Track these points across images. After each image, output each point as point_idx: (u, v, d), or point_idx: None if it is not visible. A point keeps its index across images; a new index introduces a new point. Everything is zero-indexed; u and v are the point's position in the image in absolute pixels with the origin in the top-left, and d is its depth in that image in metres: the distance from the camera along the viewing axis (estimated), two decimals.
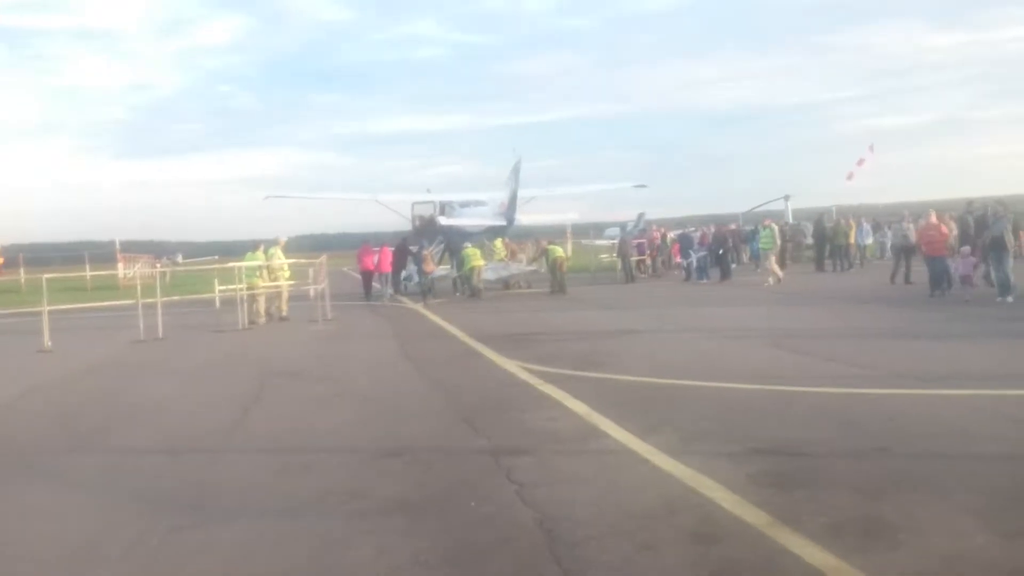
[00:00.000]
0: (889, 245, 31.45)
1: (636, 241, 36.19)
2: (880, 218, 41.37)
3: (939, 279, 19.81)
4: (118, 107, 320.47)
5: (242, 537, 5.70)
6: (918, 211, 27.06)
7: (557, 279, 28.35)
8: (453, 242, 31.64)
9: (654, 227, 42.98)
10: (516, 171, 31.38)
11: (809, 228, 38.33)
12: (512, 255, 32.49)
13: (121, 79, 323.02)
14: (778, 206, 50.09)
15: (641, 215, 56.00)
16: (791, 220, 44.81)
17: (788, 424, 8.14)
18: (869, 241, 36.80)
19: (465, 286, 28.33)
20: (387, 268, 28.97)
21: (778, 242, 28.64)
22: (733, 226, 41.18)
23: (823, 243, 33.33)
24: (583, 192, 45.79)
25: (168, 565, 5.24)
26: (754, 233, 39.51)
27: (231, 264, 23.91)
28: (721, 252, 30.84)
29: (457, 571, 4.96)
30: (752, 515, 5.56)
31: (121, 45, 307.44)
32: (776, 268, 27.64)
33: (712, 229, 33.97)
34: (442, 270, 30.99)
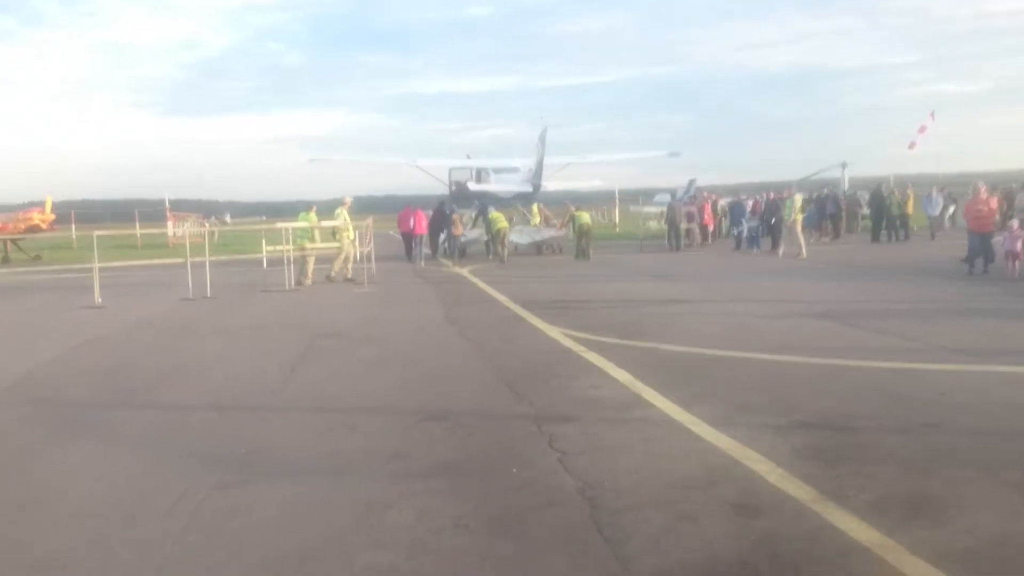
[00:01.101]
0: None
1: (686, 208, 35.77)
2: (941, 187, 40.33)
3: (982, 255, 19.07)
4: (168, 65, 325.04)
5: (286, 495, 5.78)
6: (993, 181, 26.29)
7: (582, 245, 28.91)
8: (485, 207, 32.43)
9: (705, 194, 42.47)
10: (543, 139, 32.42)
11: (865, 197, 37.62)
12: (546, 221, 32.97)
13: (171, 36, 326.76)
14: (834, 173, 49.29)
15: (692, 181, 55.45)
16: (847, 188, 44.03)
17: (835, 397, 8.01)
18: (946, 212, 35.71)
19: (495, 248, 29.13)
20: (421, 230, 29.68)
21: (797, 215, 27.92)
22: (786, 193, 40.53)
23: (880, 213, 32.64)
24: (617, 159, 46.23)
25: (213, 521, 5.33)
26: (808, 201, 38.88)
27: (280, 225, 24.06)
28: (773, 221, 30.21)
29: (498, 536, 4.97)
30: (796, 488, 5.50)
31: (171, 1, 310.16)
32: (800, 239, 27.16)
33: (770, 196, 33.20)
34: (474, 233, 32.04)
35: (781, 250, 26.70)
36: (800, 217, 28.02)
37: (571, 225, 30.34)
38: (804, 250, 26.40)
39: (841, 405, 7.69)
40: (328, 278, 21.90)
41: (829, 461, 6.08)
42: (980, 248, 19.12)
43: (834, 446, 6.46)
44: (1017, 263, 18.03)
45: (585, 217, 30.01)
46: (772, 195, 34.04)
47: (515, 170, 34.77)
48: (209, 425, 7.86)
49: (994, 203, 20.30)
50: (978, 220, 19.58)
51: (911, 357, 9.80)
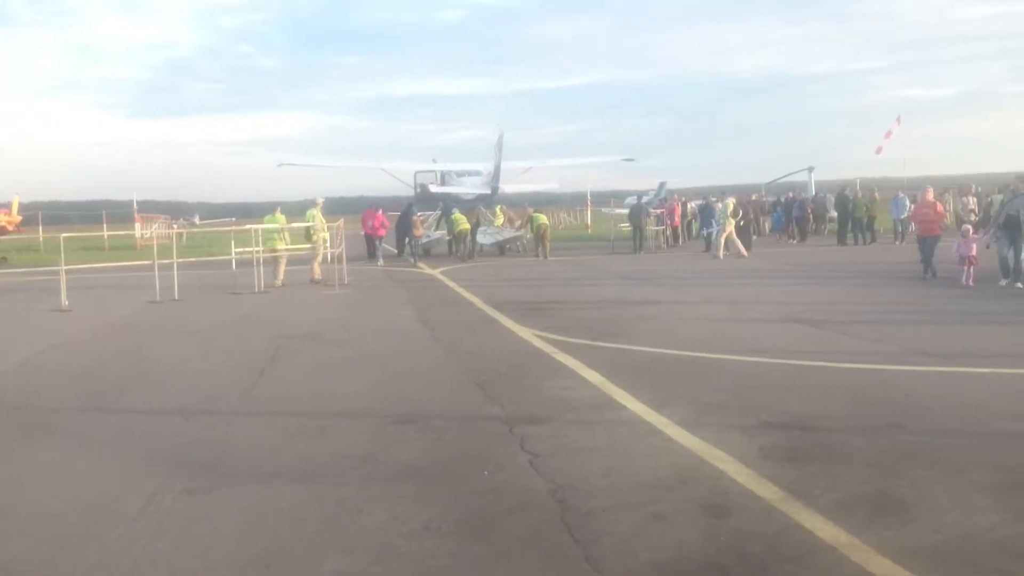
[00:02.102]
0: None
1: (657, 210, 36.02)
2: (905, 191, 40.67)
3: (932, 259, 19.02)
4: (137, 65, 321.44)
5: (255, 499, 5.73)
6: (958, 185, 26.56)
7: (541, 246, 30.22)
8: (448, 209, 33.36)
9: (675, 196, 42.82)
10: (499, 144, 33.42)
11: (831, 200, 38.03)
12: (510, 222, 34.48)
13: (140, 37, 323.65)
14: (802, 177, 49.76)
15: (662, 184, 55.80)
16: (814, 192, 44.51)
17: (802, 398, 8.09)
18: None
19: (458, 249, 30.20)
20: (381, 232, 30.53)
21: (731, 218, 28.12)
22: (754, 197, 40.97)
23: (845, 216, 33.01)
24: (573, 164, 47.85)
25: (181, 525, 5.29)
26: (775, 205, 39.33)
27: (248, 226, 23.88)
28: (742, 224, 30.40)
29: (469, 538, 4.97)
30: (764, 488, 5.55)
31: (140, 1, 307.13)
32: (737, 243, 27.71)
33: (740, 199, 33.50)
34: (437, 234, 33.23)
35: (747, 252, 27.05)
36: (733, 221, 28.26)
37: (530, 226, 31.25)
38: (721, 253, 27.29)
39: (809, 406, 7.76)
40: (312, 282, 21.76)
41: (796, 461, 6.14)
42: (932, 252, 19.19)
43: (801, 446, 6.52)
44: (973, 268, 17.84)
45: (542, 219, 31.33)
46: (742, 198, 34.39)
47: (478, 173, 35.81)
48: (177, 429, 7.77)
49: (940, 207, 20.51)
50: (925, 224, 19.78)
51: (877, 359, 9.91)
